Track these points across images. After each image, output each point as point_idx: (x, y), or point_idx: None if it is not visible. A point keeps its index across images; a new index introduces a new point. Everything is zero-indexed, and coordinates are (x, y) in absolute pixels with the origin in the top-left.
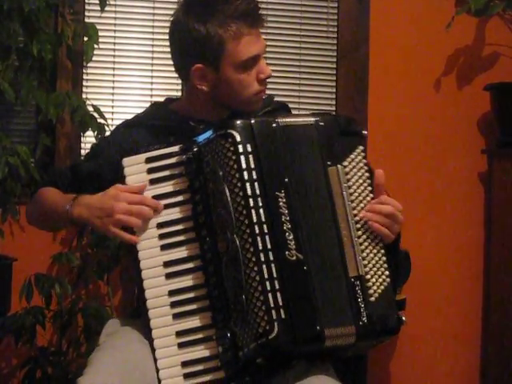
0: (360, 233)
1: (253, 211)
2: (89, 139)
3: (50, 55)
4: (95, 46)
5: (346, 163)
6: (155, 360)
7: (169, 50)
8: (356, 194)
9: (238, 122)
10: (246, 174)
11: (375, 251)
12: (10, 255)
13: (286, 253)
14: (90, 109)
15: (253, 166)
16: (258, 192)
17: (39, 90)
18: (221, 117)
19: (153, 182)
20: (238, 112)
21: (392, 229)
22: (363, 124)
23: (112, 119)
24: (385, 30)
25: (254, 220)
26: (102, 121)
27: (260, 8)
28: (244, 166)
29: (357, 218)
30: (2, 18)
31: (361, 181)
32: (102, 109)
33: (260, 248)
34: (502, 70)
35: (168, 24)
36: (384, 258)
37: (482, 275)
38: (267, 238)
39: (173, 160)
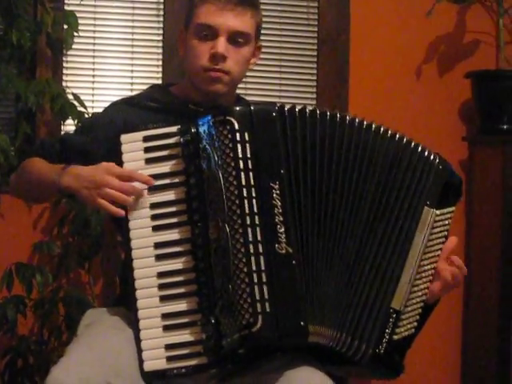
0: (418, 277)
1: (245, 201)
2: (69, 127)
3: (29, 43)
4: (75, 33)
5: (438, 212)
6: (139, 340)
7: (148, 38)
8: (432, 243)
9: (238, 108)
10: (241, 162)
11: (419, 300)
12: None
13: (276, 246)
14: (70, 97)
15: (249, 155)
16: (252, 182)
17: (19, 78)
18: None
19: (149, 161)
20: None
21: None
22: (344, 110)
23: (92, 107)
24: (365, 18)
25: (246, 211)
26: (82, 109)
27: None
28: (240, 154)
29: (424, 263)
30: None
31: (440, 235)
32: (82, 97)
33: (250, 239)
34: (482, 57)
35: (147, 12)
36: (420, 311)
37: (464, 260)
38: (258, 229)
39: (170, 141)
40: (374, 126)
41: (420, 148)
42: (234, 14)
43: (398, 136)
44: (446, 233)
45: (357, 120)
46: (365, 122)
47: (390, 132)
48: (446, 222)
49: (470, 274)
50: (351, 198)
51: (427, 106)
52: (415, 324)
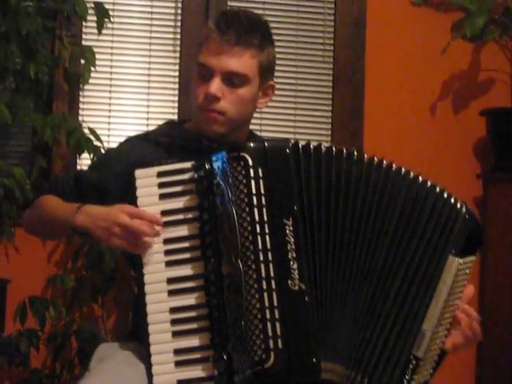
0: (442, 326)
1: (259, 238)
2: (85, 161)
3: (46, 77)
4: (92, 68)
5: (461, 261)
6: (151, 376)
7: (165, 73)
8: (453, 291)
9: (252, 145)
10: (255, 198)
11: (437, 347)
12: (4, 277)
13: (289, 282)
14: (87, 131)
15: (262, 191)
16: (265, 218)
17: (35, 112)
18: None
19: (163, 196)
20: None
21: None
22: (359, 148)
23: (108, 142)
24: (380, 55)
25: (260, 247)
26: (98, 143)
27: (249, 30)
28: (254, 190)
29: (445, 311)
30: (0, 40)
31: (461, 284)
32: (99, 131)
33: (263, 276)
34: (497, 95)
35: (164, 48)
36: (437, 358)
37: (477, 299)
38: (271, 265)
39: (184, 176)
40: (394, 166)
41: (446, 194)
42: (230, 55)
43: (420, 179)
44: (465, 282)
45: (375, 159)
46: (384, 162)
47: (412, 174)
48: (467, 271)
49: (483, 313)
50: (368, 237)
51: (442, 143)
52: (431, 371)
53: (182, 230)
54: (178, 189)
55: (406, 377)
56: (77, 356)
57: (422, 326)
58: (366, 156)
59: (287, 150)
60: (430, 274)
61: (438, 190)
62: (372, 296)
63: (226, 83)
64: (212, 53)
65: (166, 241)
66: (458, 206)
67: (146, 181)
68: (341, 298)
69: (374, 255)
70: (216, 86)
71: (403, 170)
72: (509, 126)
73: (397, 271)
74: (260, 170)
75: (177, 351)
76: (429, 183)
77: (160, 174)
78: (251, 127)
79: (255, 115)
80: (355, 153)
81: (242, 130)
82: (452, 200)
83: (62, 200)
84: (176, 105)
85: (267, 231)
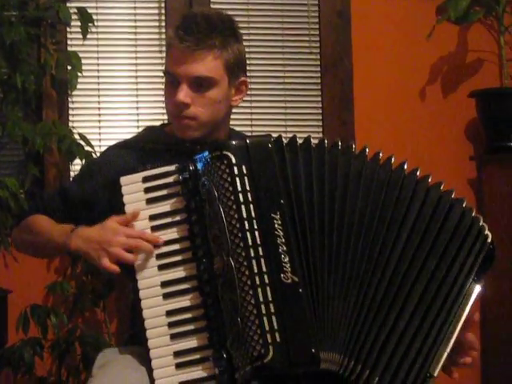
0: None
1: (248, 234)
2: (77, 167)
3: (34, 86)
4: (79, 74)
5: (478, 286)
6: (153, 381)
7: (152, 74)
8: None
9: (234, 142)
10: (241, 196)
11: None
12: (4, 287)
13: (282, 275)
14: (77, 137)
15: (248, 187)
16: (253, 214)
17: (25, 121)
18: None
19: (150, 201)
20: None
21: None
22: (351, 137)
23: (100, 146)
24: (367, 42)
25: (249, 243)
26: (89, 148)
27: (208, 32)
28: (239, 188)
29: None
30: None
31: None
32: (89, 136)
33: (255, 271)
34: (485, 76)
35: (150, 49)
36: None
37: None
38: (262, 260)
39: (169, 179)
40: (405, 167)
41: (474, 213)
42: (192, 60)
43: (442, 187)
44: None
45: (380, 155)
46: (392, 159)
47: (429, 179)
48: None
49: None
50: (372, 233)
51: (433, 127)
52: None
53: (172, 233)
54: (165, 192)
55: None
56: (82, 362)
57: (439, 347)
58: (367, 151)
59: (269, 145)
60: (453, 297)
61: (465, 204)
62: (382, 294)
63: (193, 88)
64: (175, 61)
65: (157, 245)
66: (486, 232)
67: (132, 187)
68: (340, 290)
69: (381, 253)
70: (183, 92)
71: (419, 171)
72: (498, 107)
73: (414, 282)
74: (244, 167)
75: (176, 353)
76: (453, 194)
77: (145, 179)
78: (243, 122)
79: (245, 110)
80: (353, 146)
81: (221, 129)
82: (481, 223)
83: (52, 220)
84: (164, 105)
85: (256, 227)
